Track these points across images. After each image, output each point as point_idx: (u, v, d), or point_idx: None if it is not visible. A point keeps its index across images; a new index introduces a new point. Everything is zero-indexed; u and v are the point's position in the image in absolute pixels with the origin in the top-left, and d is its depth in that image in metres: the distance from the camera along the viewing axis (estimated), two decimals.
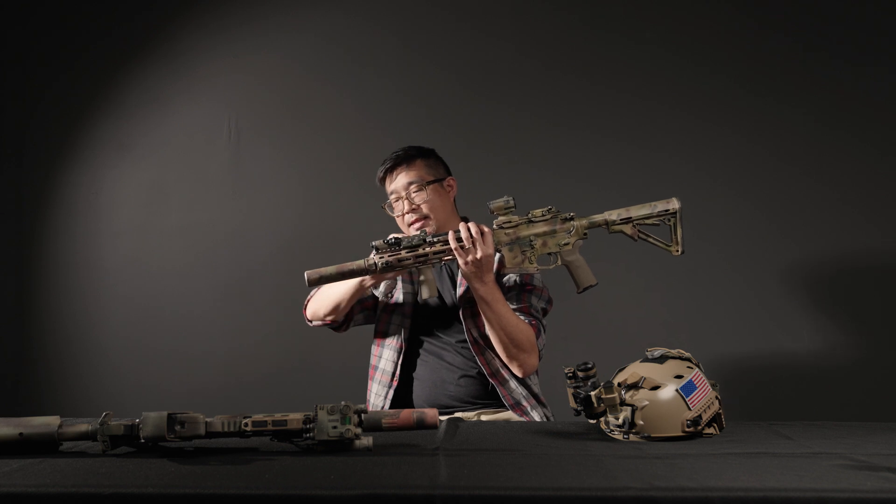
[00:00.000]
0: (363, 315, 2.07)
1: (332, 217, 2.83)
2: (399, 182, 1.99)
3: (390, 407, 1.96)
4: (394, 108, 2.83)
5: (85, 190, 2.93)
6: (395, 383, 1.98)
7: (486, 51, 2.82)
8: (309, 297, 2.06)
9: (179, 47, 2.93)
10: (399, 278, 2.03)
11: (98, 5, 2.95)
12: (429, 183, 1.98)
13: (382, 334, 2.04)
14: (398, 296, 2.03)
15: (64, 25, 2.96)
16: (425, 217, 1.96)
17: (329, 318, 1.99)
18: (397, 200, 2.00)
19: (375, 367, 2.04)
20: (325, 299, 1.97)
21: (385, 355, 2.02)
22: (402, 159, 2.01)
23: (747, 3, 2.75)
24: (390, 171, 2.01)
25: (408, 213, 1.97)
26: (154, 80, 2.93)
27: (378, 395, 2.00)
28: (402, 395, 2.00)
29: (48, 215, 2.93)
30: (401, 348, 1.99)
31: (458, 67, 2.83)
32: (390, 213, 2.03)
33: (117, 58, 2.94)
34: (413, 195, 1.97)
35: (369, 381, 2.05)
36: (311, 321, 2.05)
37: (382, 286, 2.05)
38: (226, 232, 2.88)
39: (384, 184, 2.04)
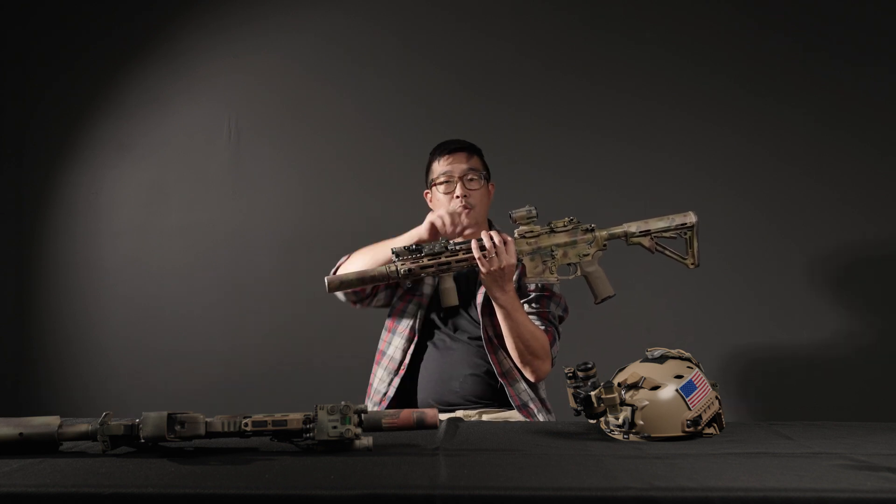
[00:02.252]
0: (385, 294, 2.06)
1: (332, 217, 2.83)
2: (459, 165, 2.00)
3: (395, 395, 1.96)
4: (394, 108, 2.83)
5: (85, 190, 2.93)
6: (402, 372, 1.98)
7: (486, 51, 2.82)
8: (340, 263, 2.02)
9: (179, 47, 2.93)
10: None
11: (98, 5, 2.95)
12: (485, 178, 2.02)
13: (395, 320, 2.04)
14: (420, 285, 2.03)
15: (64, 25, 2.96)
16: (471, 207, 1.97)
17: (358, 287, 1.93)
18: (448, 181, 2.00)
19: (383, 353, 2.04)
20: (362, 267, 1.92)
21: (394, 342, 2.02)
22: (468, 147, 2.05)
23: (747, 3, 2.75)
24: (454, 151, 2.03)
25: (460, 196, 1.97)
26: (154, 80, 2.92)
27: (382, 381, 2.00)
28: (409, 387, 1.99)
29: (48, 215, 2.93)
30: (412, 337, 1.99)
31: (458, 67, 2.83)
32: (439, 194, 2.01)
33: (117, 58, 2.93)
34: (469, 183, 1.99)
35: (374, 366, 2.06)
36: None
37: None
38: (226, 232, 2.87)
39: (438, 161, 2.04)
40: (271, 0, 2.91)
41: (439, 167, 2.03)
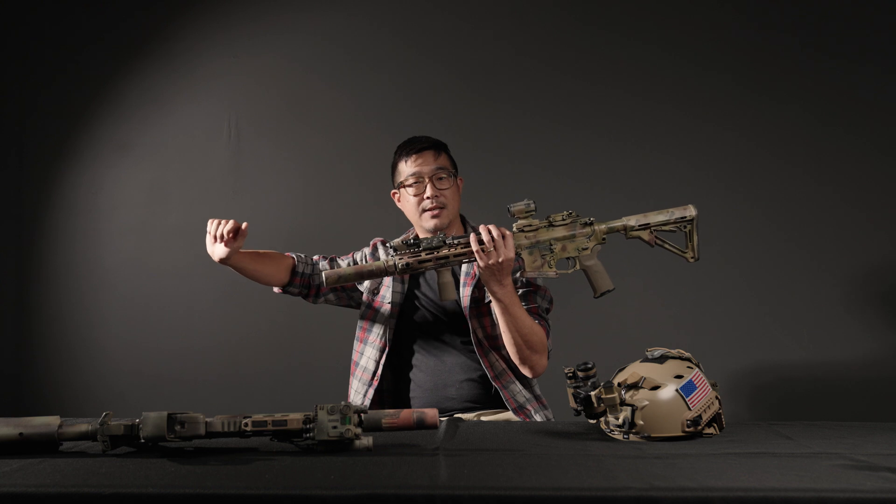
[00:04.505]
0: (336, 295, 2.04)
1: (332, 217, 2.83)
2: (428, 165, 1.96)
3: (370, 407, 1.93)
4: (394, 107, 2.83)
5: (85, 190, 2.93)
6: (375, 382, 1.95)
7: (486, 51, 2.82)
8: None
9: (179, 47, 2.93)
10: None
11: (98, 5, 2.95)
12: (454, 175, 1.98)
13: (365, 331, 2.02)
14: (385, 293, 2.00)
15: (64, 25, 2.96)
16: (443, 206, 1.94)
17: (274, 285, 1.99)
18: (417, 182, 1.96)
19: (357, 364, 2.02)
20: None
21: (367, 353, 2.00)
22: (435, 145, 1.99)
23: (747, 3, 2.75)
24: (421, 151, 1.97)
25: (430, 196, 1.94)
26: (154, 80, 2.93)
27: (358, 393, 1.98)
28: (385, 395, 1.98)
29: (48, 215, 2.93)
30: (383, 347, 1.97)
31: (459, 67, 2.83)
32: (408, 196, 1.97)
33: (117, 58, 2.94)
34: (437, 182, 1.95)
35: (350, 377, 2.03)
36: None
37: (368, 281, 2.01)
38: None
39: (406, 161, 1.98)
40: (271, 0, 2.91)
41: (407, 168, 1.98)
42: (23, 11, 2.97)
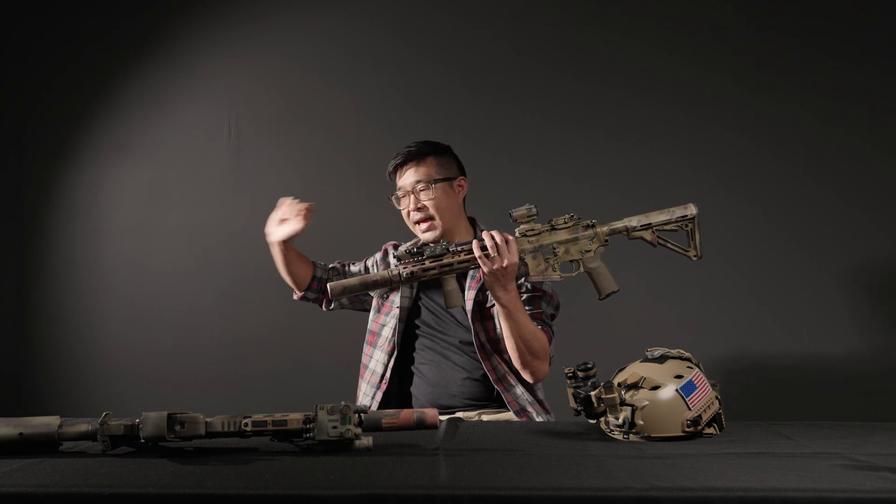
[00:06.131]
0: (349, 299, 2.08)
1: (332, 217, 2.82)
2: (407, 179, 1.96)
3: (379, 409, 1.94)
4: (394, 107, 2.83)
5: (85, 190, 2.93)
6: (384, 385, 1.96)
7: (486, 50, 2.82)
8: None
9: (179, 47, 2.94)
10: None
11: (98, 5, 2.95)
12: (437, 182, 1.95)
13: (375, 335, 2.03)
14: (394, 298, 2.01)
15: (64, 25, 2.96)
16: (431, 217, 1.94)
17: (296, 287, 2.02)
18: (404, 196, 1.97)
19: (366, 367, 2.03)
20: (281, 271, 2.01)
21: (376, 356, 2.01)
22: (414, 156, 1.98)
23: (749, 4, 2.75)
24: (401, 165, 1.98)
25: (413, 210, 1.95)
26: (154, 80, 2.93)
27: (366, 396, 1.99)
28: (392, 398, 1.98)
29: (48, 215, 2.93)
30: (392, 351, 1.98)
31: (459, 67, 2.83)
32: (397, 206, 2.00)
33: (117, 58, 2.94)
34: (420, 194, 1.94)
35: (359, 380, 2.05)
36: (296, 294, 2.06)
37: None
38: (226, 232, 2.87)
39: (393, 178, 2.01)
40: (271, 0, 2.91)
41: (395, 182, 2.00)
42: (23, 11, 2.97)
